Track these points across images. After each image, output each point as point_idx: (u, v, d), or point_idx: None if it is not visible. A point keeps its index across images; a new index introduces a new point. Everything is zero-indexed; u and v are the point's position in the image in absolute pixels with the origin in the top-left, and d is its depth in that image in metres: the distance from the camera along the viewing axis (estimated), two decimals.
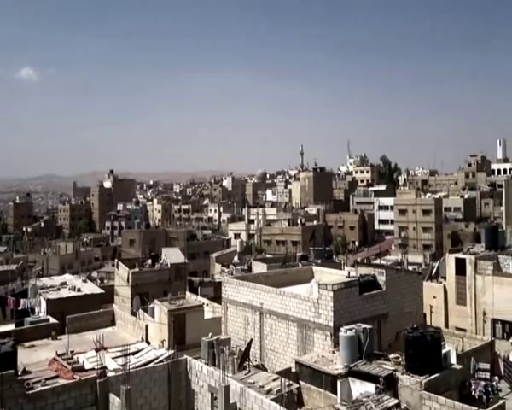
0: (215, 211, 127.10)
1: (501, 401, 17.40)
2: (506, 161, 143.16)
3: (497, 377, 20.76)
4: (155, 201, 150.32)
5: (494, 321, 28.27)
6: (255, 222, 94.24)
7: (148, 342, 24.60)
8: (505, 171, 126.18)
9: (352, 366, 19.39)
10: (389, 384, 18.25)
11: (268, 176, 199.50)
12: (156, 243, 64.41)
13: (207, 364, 20.57)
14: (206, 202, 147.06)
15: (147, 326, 26.51)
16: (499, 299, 28.24)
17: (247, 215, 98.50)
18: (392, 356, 19.90)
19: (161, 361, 19.53)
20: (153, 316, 28.76)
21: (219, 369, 17.69)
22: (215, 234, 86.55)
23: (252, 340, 23.48)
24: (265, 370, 21.03)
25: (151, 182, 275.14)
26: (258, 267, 38.83)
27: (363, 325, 21.09)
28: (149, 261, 42.97)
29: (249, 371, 19.62)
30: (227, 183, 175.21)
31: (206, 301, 31.63)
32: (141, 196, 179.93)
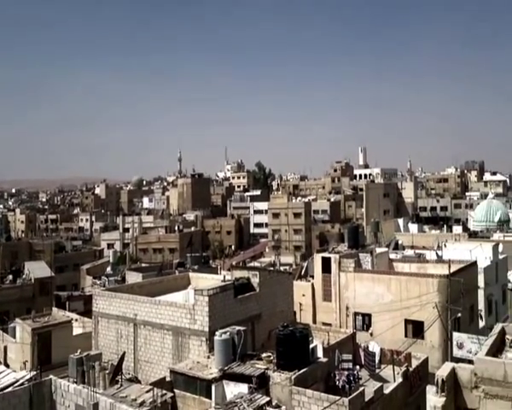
0: (86, 220, 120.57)
1: (361, 388, 18.87)
2: (366, 166, 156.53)
3: (358, 367, 22.44)
4: (18, 211, 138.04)
5: (355, 314, 30.64)
6: (130, 231, 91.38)
7: (8, 365, 22.54)
8: (365, 176, 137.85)
9: (226, 368, 19.69)
10: (262, 383, 18.85)
11: (145, 183, 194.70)
12: (19, 257, 59.38)
13: (76, 382, 19.48)
14: (76, 211, 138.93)
15: (5, 348, 24.29)
16: (359, 294, 30.71)
17: (122, 224, 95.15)
18: (264, 355, 20.56)
19: (22, 384, 18.02)
20: (14, 336, 26.41)
21: (89, 386, 16.84)
22: (86, 245, 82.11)
23: (125, 353, 22.70)
24: (139, 382, 20.44)
25: (13, 190, 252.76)
26: (133, 277, 37.66)
27: (238, 328, 21.56)
28: (10, 277, 39.46)
29: (121, 385, 18.92)
30: (100, 190, 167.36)
31: (75, 316, 29.91)
32: (1, 206, 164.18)
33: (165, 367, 22.69)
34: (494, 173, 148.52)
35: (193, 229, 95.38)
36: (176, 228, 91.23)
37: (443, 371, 9.61)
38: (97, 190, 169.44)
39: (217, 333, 20.83)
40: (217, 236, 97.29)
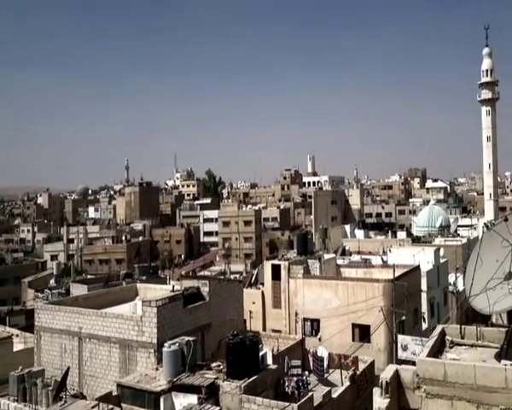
0: (28, 231, 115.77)
1: (310, 394, 19.08)
2: (315, 174, 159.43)
3: (307, 372, 22.71)
4: None
5: (304, 320, 31.01)
6: (75, 241, 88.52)
7: None
8: (314, 183, 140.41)
9: (175, 380, 19.39)
10: (211, 393, 18.66)
11: (90, 192, 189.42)
12: None
13: (17, 400, 18.59)
14: (17, 221, 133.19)
15: None
16: (308, 299, 31.11)
17: (66, 234, 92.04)
18: (214, 365, 20.41)
19: None
20: None
21: (31, 404, 16.09)
22: (28, 257, 78.89)
23: (69, 368, 21.90)
24: (84, 398, 19.76)
25: None
26: (78, 290, 36.47)
27: (187, 338, 21.29)
28: None
29: (65, 401, 18.22)
30: (43, 200, 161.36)
31: (15, 331, 28.57)
32: None
33: (112, 381, 22.05)
34: (436, 180, 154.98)
35: (141, 239, 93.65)
36: (123, 238, 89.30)
37: (387, 374, 9.86)
38: (40, 200, 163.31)
39: (165, 344, 20.47)
40: (166, 245, 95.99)
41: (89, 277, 52.23)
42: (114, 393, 20.09)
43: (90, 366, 23.77)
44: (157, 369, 21.24)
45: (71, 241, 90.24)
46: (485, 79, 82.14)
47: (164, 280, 42.19)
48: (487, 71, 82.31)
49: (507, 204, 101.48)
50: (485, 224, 11.75)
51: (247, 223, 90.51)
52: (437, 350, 11.08)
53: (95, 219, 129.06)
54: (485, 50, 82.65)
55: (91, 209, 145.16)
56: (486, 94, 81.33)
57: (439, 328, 12.13)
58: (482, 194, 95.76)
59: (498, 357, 10.24)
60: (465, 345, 11.34)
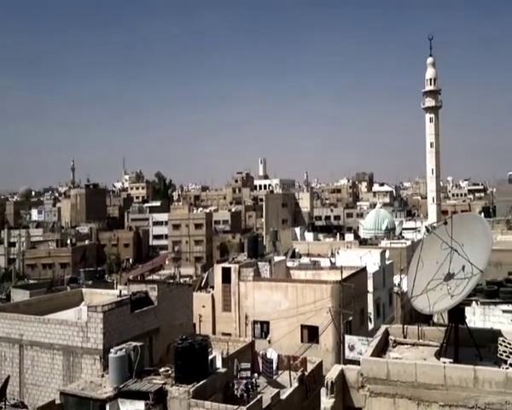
0: None
1: (259, 396, 19.16)
2: (266, 177, 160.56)
3: (256, 374, 22.76)
4: None
5: (254, 323, 31.12)
6: (17, 245, 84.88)
7: None
8: (265, 186, 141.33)
9: (121, 386, 18.95)
10: (159, 398, 18.37)
11: (34, 193, 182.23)
12: None
13: None
14: None
15: None
16: (258, 302, 31.25)
17: (7, 238, 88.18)
18: (162, 370, 20.09)
19: None
20: None
21: None
22: None
23: (9, 377, 20.99)
24: (25, 407, 18.99)
25: None
26: (19, 295, 35.01)
27: (134, 343, 20.87)
28: None
29: None
30: None
31: None
32: None
33: (55, 389, 21.28)
34: (382, 184, 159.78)
35: (87, 242, 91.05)
36: (68, 242, 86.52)
37: (332, 374, 10.05)
38: None
39: (112, 350, 19.97)
40: (113, 249, 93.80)
41: (31, 282, 50.23)
42: (57, 401, 19.40)
43: (31, 374, 22.83)
44: (103, 376, 20.69)
45: (12, 244, 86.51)
46: (428, 88, 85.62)
47: (111, 285, 41.20)
48: (431, 80, 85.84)
49: (449, 208, 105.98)
50: (426, 227, 12.22)
51: (197, 226, 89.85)
52: (381, 350, 11.41)
53: (38, 221, 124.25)
54: (429, 60, 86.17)
55: (34, 212, 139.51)
56: (430, 102, 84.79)
57: (382, 328, 12.50)
58: (426, 198, 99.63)
59: (438, 355, 10.66)
60: (407, 344, 11.74)
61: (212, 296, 33.56)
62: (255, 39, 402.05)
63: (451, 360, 10.09)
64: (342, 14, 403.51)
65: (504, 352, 9.60)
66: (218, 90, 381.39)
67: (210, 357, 20.48)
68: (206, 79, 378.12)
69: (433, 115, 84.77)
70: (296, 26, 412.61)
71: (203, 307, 32.64)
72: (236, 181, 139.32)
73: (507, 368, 9.36)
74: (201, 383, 18.87)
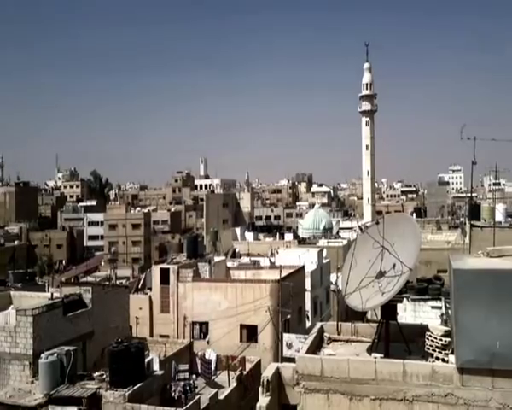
0: None
1: (197, 397, 19.04)
2: (207, 177, 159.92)
3: (194, 375, 22.61)
4: None
5: (193, 324, 30.86)
6: None
7: None
8: (206, 186, 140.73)
9: (52, 392, 18.19)
10: (93, 403, 17.83)
11: None
12: None
13: None
14: None
15: None
16: (197, 303, 31.02)
17: None
18: (96, 374, 19.51)
19: None
20: None
21: None
22: None
23: None
24: None
25: None
26: None
27: (67, 348, 20.12)
28: None
29: None
30: None
31: None
32: None
33: None
34: (320, 185, 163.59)
35: (16, 243, 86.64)
36: None
37: (268, 372, 10.14)
38: None
39: (42, 356, 19.14)
40: (45, 250, 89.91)
41: None
42: None
43: None
44: (32, 382, 19.79)
45: None
46: (365, 92, 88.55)
47: (42, 287, 39.43)
48: (367, 84, 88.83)
49: (383, 208, 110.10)
50: (359, 227, 12.60)
51: (135, 226, 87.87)
52: (316, 347, 11.64)
53: None
54: (366, 65, 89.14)
55: None
56: (366, 106, 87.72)
57: (318, 325, 12.77)
58: (361, 198, 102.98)
59: (370, 351, 11.01)
60: (341, 341, 12.05)
61: (150, 298, 32.96)
62: (199, 35, 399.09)
63: (382, 356, 10.46)
64: (288, 12, 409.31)
65: (431, 346, 10.06)
66: (156, 86, 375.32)
67: (146, 360, 20.11)
68: (143, 75, 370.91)
69: (368, 119, 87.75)
70: (241, 26, 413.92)
71: (140, 309, 31.99)
72: (176, 181, 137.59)
73: (433, 361, 9.81)
74: (137, 386, 18.50)
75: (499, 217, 50.37)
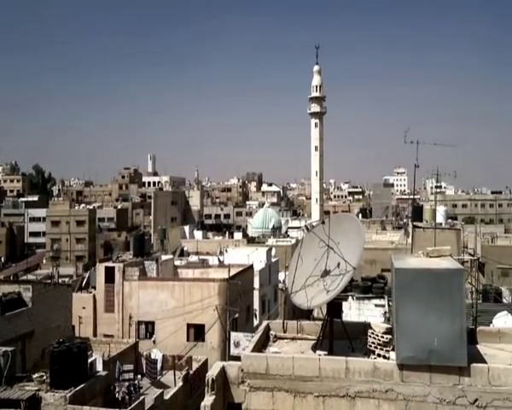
0: None
1: (141, 398, 18.72)
2: (155, 174, 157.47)
3: (139, 376, 22.23)
4: None
5: (139, 323, 30.32)
6: None
7: None
8: (154, 183, 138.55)
9: None
10: (32, 406, 17.16)
11: None
12: None
13: None
14: None
15: None
16: (143, 302, 30.49)
17: None
18: (36, 376, 18.77)
19: None
20: None
21: None
22: None
23: None
24: None
25: None
26: None
27: (4, 348, 19.26)
28: None
29: None
30: None
31: None
32: None
33: None
34: (270, 185, 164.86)
35: None
36: None
37: (213, 371, 10.10)
38: None
39: None
40: None
41: None
42: None
43: None
44: None
45: None
46: (314, 94, 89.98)
47: None
48: (317, 87, 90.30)
49: (330, 208, 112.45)
50: (305, 226, 12.78)
51: (79, 223, 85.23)
52: (262, 345, 11.70)
53: None
54: (315, 68, 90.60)
55: None
56: (315, 108, 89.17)
57: (264, 324, 12.85)
58: (310, 198, 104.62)
59: (314, 348, 11.19)
60: (287, 339, 12.18)
61: (94, 297, 32.14)
62: (149, 32, 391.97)
63: (326, 353, 10.65)
64: (237, 14, 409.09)
65: (373, 343, 10.34)
66: (103, 81, 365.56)
67: (89, 360, 19.60)
68: (89, 73, 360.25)
69: (317, 120, 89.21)
70: (192, 27, 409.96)
71: (84, 308, 31.13)
72: (123, 177, 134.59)
73: (375, 358, 10.09)
74: (79, 387, 17.97)
75: (440, 218, 52.63)
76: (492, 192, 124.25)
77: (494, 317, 17.63)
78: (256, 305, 38.53)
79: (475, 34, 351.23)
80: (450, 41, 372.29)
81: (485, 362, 9.75)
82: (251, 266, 37.01)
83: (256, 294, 38.39)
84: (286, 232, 75.84)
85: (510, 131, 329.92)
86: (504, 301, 27.65)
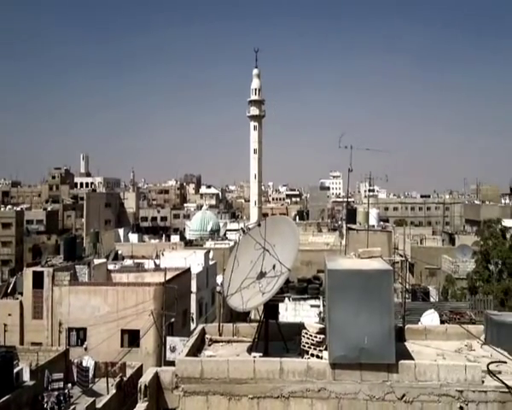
0: None
1: (72, 407, 17.99)
2: (88, 175, 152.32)
3: (70, 384, 21.36)
4: None
5: (70, 330, 29.15)
6: None
7: None
8: (87, 184, 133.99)
9: None
10: None
11: None
12: None
13: None
14: None
15: None
16: (75, 308, 29.36)
17: None
18: None
19: None
20: None
21: None
22: None
23: None
24: None
25: None
26: None
27: None
28: None
29: None
30: None
31: None
32: None
33: None
34: (209, 187, 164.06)
35: None
36: None
37: (146, 377, 9.86)
38: None
39: None
40: None
41: None
42: None
43: None
44: None
45: None
46: (253, 97, 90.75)
47: None
48: (256, 90, 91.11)
49: (269, 211, 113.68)
50: (241, 228, 12.79)
51: (5, 225, 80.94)
52: (197, 349, 11.56)
53: None
54: (255, 71, 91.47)
55: None
56: (254, 111, 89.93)
57: (199, 327, 12.70)
58: (249, 201, 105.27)
59: (250, 350, 11.20)
60: (222, 342, 12.10)
61: (21, 303, 30.60)
62: (95, 28, 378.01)
63: (261, 354, 10.68)
64: (177, 16, 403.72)
65: (307, 343, 10.49)
66: (33, 74, 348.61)
67: (15, 370, 18.64)
68: (18, 66, 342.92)
69: (256, 123, 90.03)
70: (130, 27, 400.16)
71: (9, 315, 29.60)
72: (54, 177, 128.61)
73: (308, 358, 10.24)
74: (4, 398, 17.06)
75: (373, 221, 54.59)
76: (421, 196, 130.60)
77: (422, 315, 18.45)
78: (193, 309, 38.19)
79: (400, 38, 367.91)
80: (384, 44, 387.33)
81: (412, 359, 10.15)
82: (188, 270, 36.66)
83: (193, 297, 38.06)
84: (224, 235, 75.75)
85: (438, 136, 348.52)
86: (432, 299, 29.11)
